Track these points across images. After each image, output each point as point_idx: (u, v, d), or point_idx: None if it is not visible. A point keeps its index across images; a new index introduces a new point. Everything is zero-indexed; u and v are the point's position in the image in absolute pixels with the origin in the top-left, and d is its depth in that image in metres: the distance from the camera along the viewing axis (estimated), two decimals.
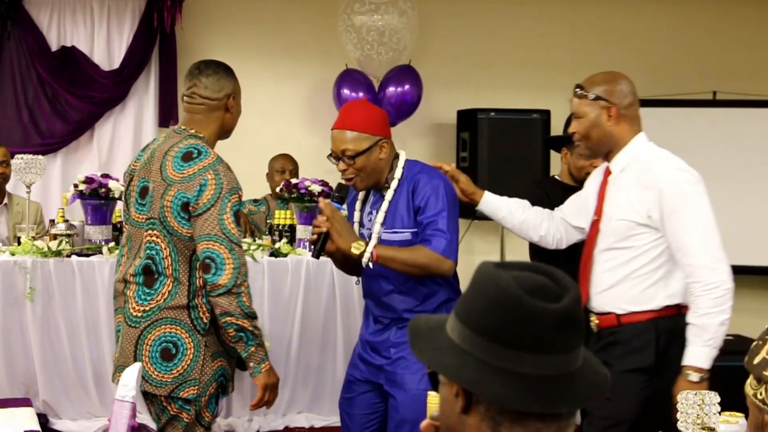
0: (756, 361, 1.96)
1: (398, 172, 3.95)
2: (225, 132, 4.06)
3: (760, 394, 1.94)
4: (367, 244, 3.81)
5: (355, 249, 3.80)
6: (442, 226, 3.80)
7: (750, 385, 1.98)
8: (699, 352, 3.60)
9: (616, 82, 3.83)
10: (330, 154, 3.96)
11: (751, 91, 8.20)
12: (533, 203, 4.33)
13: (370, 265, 3.80)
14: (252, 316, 3.68)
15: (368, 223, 4.01)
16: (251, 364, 3.73)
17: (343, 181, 3.97)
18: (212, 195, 3.68)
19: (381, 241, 3.90)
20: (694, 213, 3.68)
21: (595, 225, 3.89)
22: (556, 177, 5.20)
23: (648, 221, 3.69)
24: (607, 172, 3.90)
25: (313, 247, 3.92)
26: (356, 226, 4.03)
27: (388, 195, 3.93)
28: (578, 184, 4.61)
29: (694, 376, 3.57)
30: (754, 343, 2.01)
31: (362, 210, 4.07)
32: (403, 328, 3.93)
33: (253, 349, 3.70)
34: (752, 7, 8.72)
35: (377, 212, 3.96)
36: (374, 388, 4.05)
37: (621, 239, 3.77)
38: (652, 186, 3.69)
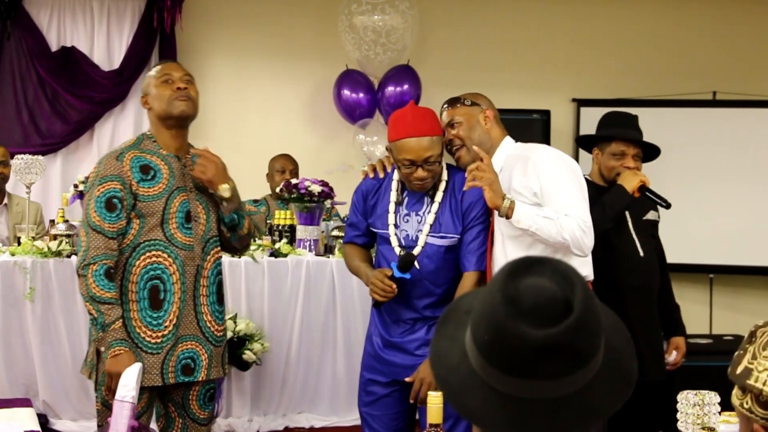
0: (738, 371, 1.95)
1: (445, 174, 3.98)
2: (164, 121, 3.94)
3: (746, 403, 1.93)
4: (510, 207, 3.72)
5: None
6: (479, 241, 3.92)
7: (736, 396, 1.98)
8: (528, 210, 3.71)
9: (481, 95, 4.11)
10: (401, 165, 3.85)
11: (750, 92, 8.20)
12: None
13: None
14: (97, 300, 3.68)
15: (404, 224, 3.96)
16: (101, 350, 3.73)
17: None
18: (88, 184, 3.88)
19: (426, 245, 3.91)
20: (572, 184, 3.86)
21: (490, 225, 3.98)
22: (588, 177, 5.15)
23: (534, 198, 3.81)
24: None
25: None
26: (391, 228, 3.96)
27: (438, 197, 3.93)
28: (608, 185, 4.61)
29: (506, 205, 3.68)
30: (736, 353, 2.00)
31: (396, 212, 3.98)
32: (434, 326, 3.93)
33: (101, 334, 3.70)
34: (752, 7, 8.72)
35: (422, 215, 3.94)
36: (399, 388, 4.03)
37: (516, 227, 3.81)
38: (530, 167, 3.85)
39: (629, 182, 4.51)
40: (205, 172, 3.85)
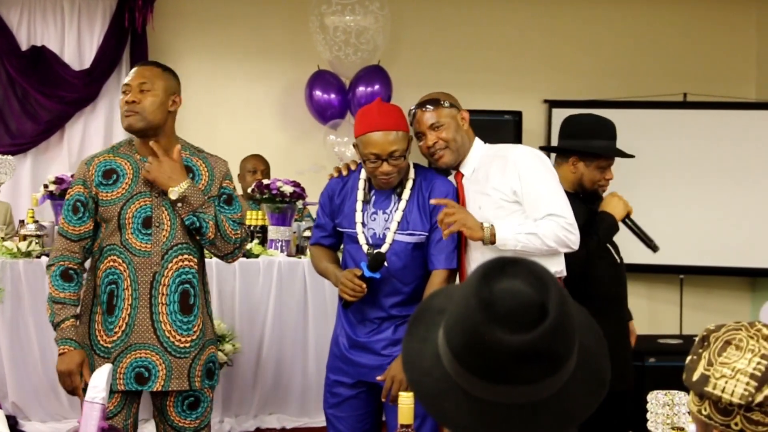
0: (695, 377, 1.95)
1: (413, 173, 4.00)
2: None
3: (705, 410, 1.94)
4: (491, 234, 3.77)
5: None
6: (448, 239, 3.90)
7: (693, 402, 1.98)
8: (509, 231, 3.74)
9: (453, 96, 4.10)
10: (366, 159, 3.86)
11: (721, 93, 8.25)
12: None
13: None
14: (52, 300, 3.83)
15: (371, 222, 3.97)
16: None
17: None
18: None
19: (394, 242, 3.91)
20: (551, 181, 3.92)
21: None
22: None
23: (514, 197, 3.85)
24: (459, 177, 4.02)
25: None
26: (359, 226, 3.97)
27: (406, 195, 3.95)
28: (576, 193, 4.51)
29: (487, 234, 3.72)
30: (689, 358, 2.00)
31: (364, 210, 4.00)
32: (401, 325, 3.96)
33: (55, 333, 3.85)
34: (722, 9, 8.78)
35: (389, 212, 3.96)
36: (365, 389, 4.04)
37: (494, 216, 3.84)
38: (509, 165, 3.89)
39: (617, 211, 4.47)
40: (150, 172, 3.83)
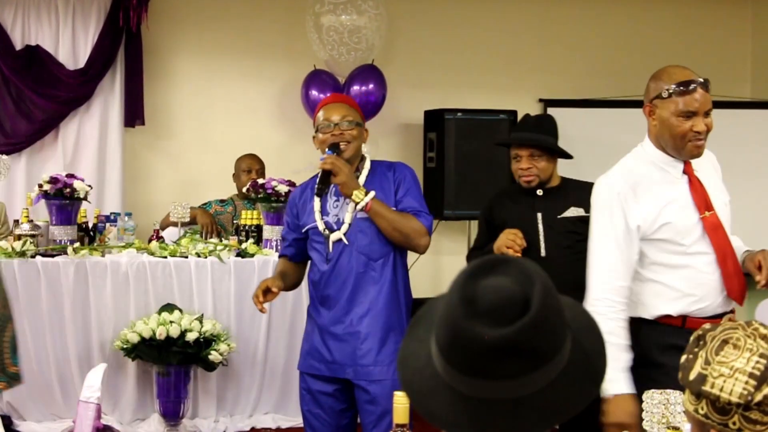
0: (692, 377, 1.95)
1: (368, 163, 4.17)
2: None
3: (702, 409, 1.93)
4: (366, 193, 3.98)
5: (356, 197, 3.97)
6: (426, 211, 4.09)
7: (689, 401, 1.98)
8: None
9: None
10: (319, 127, 4.14)
11: (716, 93, 8.15)
12: None
13: (363, 205, 3.98)
14: None
15: (333, 209, 4.09)
16: None
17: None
18: None
19: (356, 221, 4.03)
20: None
21: (713, 220, 3.84)
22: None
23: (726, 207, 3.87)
24: (690, 169, 3.89)
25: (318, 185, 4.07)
26: (317, 215, 4.10)
27: (361, 180, 4.08)
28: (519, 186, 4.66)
29: None
30: (684, 357, 2.00)
31: (324, 200, 4.13)
32: (364, 317, 4.04)
33: None
34: (718, 9, 8.79)
35: (348, 198, 4.02)
36: (340, 386, 4.08)
37: (730, 225, 3.88)
38: (720, 173, 3.98)
39: (498, 245, 4.54)
40: None
